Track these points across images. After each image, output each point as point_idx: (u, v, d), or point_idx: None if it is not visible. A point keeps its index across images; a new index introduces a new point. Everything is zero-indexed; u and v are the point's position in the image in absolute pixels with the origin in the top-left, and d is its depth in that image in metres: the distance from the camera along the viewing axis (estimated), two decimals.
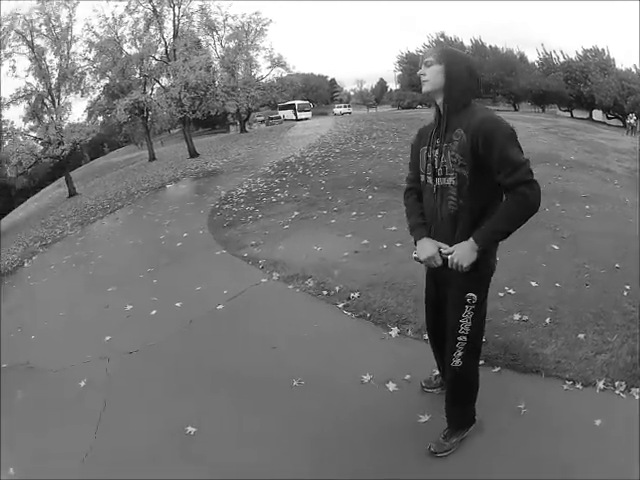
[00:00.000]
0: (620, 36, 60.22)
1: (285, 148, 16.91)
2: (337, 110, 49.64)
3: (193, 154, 20.82)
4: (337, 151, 13.64)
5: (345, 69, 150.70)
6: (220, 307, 4.38)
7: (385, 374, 2.87)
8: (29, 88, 19.11)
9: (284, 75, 28.53)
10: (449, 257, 1.93)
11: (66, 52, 19.77)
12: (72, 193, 20.15)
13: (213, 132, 42.95)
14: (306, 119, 39.89)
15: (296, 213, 7.29)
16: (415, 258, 2.12)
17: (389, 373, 2.87)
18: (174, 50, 20.84)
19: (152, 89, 22.52)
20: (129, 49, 21.57)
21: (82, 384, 3.62)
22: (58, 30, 19.19)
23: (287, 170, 11.64)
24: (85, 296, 5.91)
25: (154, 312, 4.63)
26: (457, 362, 2.08)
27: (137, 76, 21.93)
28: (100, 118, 24.63)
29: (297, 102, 43.73)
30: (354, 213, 6.74)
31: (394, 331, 3.37)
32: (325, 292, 4.24)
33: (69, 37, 19.76)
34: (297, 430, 2.61)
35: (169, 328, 4.23)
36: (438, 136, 2.00)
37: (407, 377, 2.82)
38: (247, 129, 32.92)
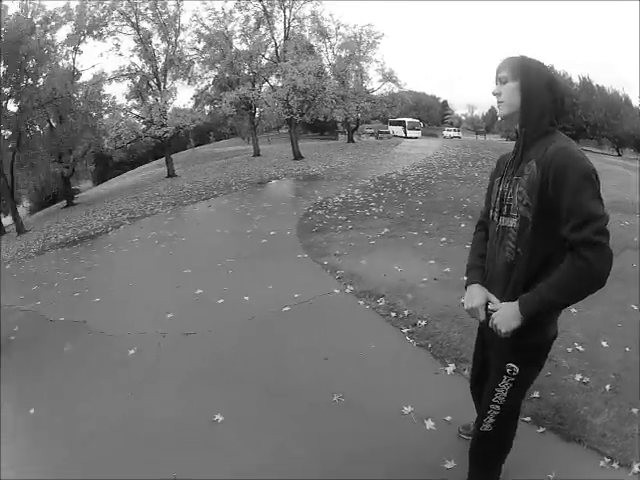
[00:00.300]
0: None
1: (389, 163, 17.07)
2: (447, 133, 50.22)
3: (297, 156, 21.54)
4: (439, 174, 13.60)
5: (457, 92, 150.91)
6: (286, 309, 4.40)
7: (427, 410, 2.81)
8: (133, 68, 20.76)
9: (395, 91, 28.62)
10: (492, 316, 1.69)
11: (174, 39, 21.24)
12: (171, 174, 21.64)
13: (321, 138, 44.23)
14: (415, 138, 39.87)
15: (386, 230, 7.23)
16: (463, 304, 1.90)
17: (431, 410, 2.80)
18: (284, 52, 21.75)
19: (261, 86, 23.44)
20: (238, 45, 22.73)
21: (131, 352, 3.87)
22: (165, 17, 20.62)
23: (387, 186, 11.70)
24: (160, 273, 6.29)
25: (221, 301, 4.80)
26: (487, 427, 1.90)
27: (246, 72, 22.94)
28: (207, 107, 25.95)
29: (407, 120, 43.83)
30: (443, 239, 6.58)
31: (450, 368, 3.26)
32: (393, 314, 4.19)
33: (177, 25, 21.17)
34: (321, 444, 2.62)
35: (231, 319, 4.34)
36: (512, 166, 1.75)
37: (448, 418, 2.73)
38: (355, 139, 33.48)
